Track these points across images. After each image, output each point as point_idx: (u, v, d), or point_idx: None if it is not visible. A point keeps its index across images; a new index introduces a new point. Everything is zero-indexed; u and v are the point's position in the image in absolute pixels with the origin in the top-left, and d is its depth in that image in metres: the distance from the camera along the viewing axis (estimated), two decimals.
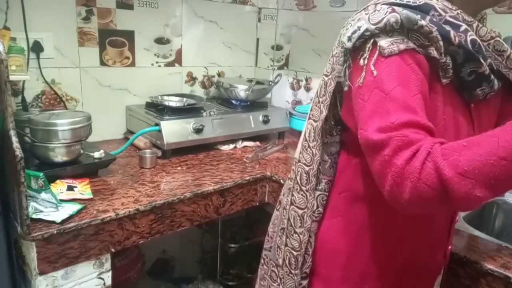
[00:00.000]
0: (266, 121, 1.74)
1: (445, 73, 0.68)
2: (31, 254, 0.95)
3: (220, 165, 1.45)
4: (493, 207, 1.35)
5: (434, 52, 0.66)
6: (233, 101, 1.81)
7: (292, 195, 0.86)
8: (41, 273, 0.96)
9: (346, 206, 0.81)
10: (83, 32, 1.50)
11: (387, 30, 0.65)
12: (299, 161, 0.85)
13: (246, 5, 1.98)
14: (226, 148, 1.64)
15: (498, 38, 0.72)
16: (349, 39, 0.68)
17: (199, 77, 1.91)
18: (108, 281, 1.10)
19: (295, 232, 0.85)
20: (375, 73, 0.65)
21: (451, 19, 0.68)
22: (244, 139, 1.70)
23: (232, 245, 1.77)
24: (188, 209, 1.21)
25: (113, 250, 1.07)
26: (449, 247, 0.91)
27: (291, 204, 0.86)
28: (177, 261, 1.99)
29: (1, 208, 1.02)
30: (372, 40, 0.66)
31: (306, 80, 2.06)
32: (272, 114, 1.77)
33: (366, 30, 0.66)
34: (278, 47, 2.06)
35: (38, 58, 1.40)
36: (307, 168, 0.82)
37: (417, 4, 0.67)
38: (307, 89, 2.06)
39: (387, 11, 0.65)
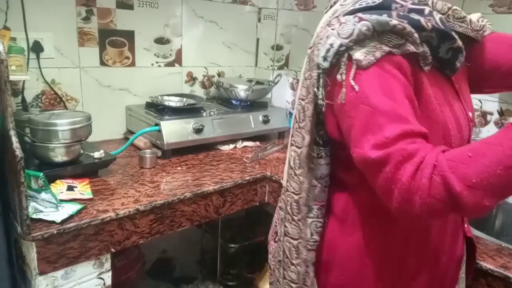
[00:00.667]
0: (266, 121, 1.74)
1: (425, 61, 0.68)
2: (31, 254, 0.95)
3: (220, 165, 1.45)
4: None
5: (410, 48, 0.65)
6: (233, 101, 1.81)
7: (285, 226, 0.83)
8: (41, 273, 0.96)
9: (368, 218, 0.77)
10: (83, 32, 1.50)
11: (361, 39, 0.63)
12: (287, 190, 0.82)
13: (246, 5, 1.98)
14: (226, 148, 1.64)
15: (455, 7, 0.72)
16: (325, 58, 0.66)
17: (199, 77, 1.92)
18: (108, 281, 1.10)
19: (292, 264, 0.82)
20: (356, 88, 0.64)
21: (413, 6, 0.68)
22: (244, 139, 1.70)
23: (232, 245, 1.77)
24: (188, 209, 1.21)
25: (113, 250, 1.07)
26: (466, 228, 0.88)
27: (285, 235, 0.83)
28: (177, 261, 1.99)
29: (1, 208, 1.02)
30: (346, 54, 0.65)
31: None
32: (272, 114, 1.77)
33: (340, 45, 0.64)
34: (278, 47, 2.06)
35: (38, 58, 1.40)
36: (296, 197, 0.80)
37: (377, 3, 0.67)
38: None
39: (354, 22, 0.64)
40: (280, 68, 2.10)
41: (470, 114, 0.79)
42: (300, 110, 0.77)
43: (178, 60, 1.81)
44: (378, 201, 0.69)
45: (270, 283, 0.96)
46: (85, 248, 1.01)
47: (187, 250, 2.00)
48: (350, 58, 0.64)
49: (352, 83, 0.64)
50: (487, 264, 0.91)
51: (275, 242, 0.91)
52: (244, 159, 1.51)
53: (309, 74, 0.72)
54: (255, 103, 1.84)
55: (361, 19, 0.63)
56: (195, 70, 1.89)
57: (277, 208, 0.90)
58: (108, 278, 1.09)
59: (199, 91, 1.93)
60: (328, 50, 0.66)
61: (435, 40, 0.68)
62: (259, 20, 2.05)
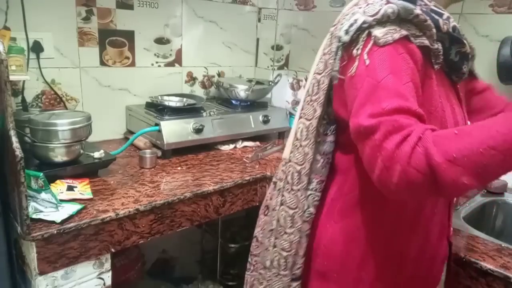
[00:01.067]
0: (266, 121, 1.74)
1: (436, 59, 0.72)
2: (31, 254, 0.95)
3: (220, 165, 1.45)
4: (493, 207, 1.35)
5: (425, 41, 0.69)
6: (233, 101, 1.81)
7: (282, 195, 0.84)
8: (41, 273, 0.96)
9: (356, 207, 0.79)
10: (83, 32, 1.50)
11: (383, 21, 0.66)
12: (289, 160, 0.83)
13: (246, 5, 1.98)
14: (226, 148, 1.64)
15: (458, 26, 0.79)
16: (347, 32, 0.69)
17: (199, 77, 1.92)
18: (108, 281, 1.10)
19: (285, 233, 0.83)
20: (367, 62, 0.66)
21: (435, 8, 0.74)
22: (244, 139, 1.70)
23: (232, 245, 1.77)
24: (188, 209, 1.21)
25: (113, 250, 1.07)
26: (451, 231, 0.91)
27: (281, 204, 0.84)
28: (177, 261, 1.99)
29: (1, 208, 1.02)
30: (367, 31, 0.67)
31: (306, 80, 2.05)
32: (272, 114, 1.77)
33: (364, 22, 0.67)
34: (278, 47, 2.06)
35: (38, 58, 1.40)
36: (298, 168, 0.81)
37: None
38: None
39: (381, 3, 0.67)
40: (280, 68, 2.10)
41: (469, 123, 0.81)
42: (314, 84, 0.79)
43: (178, 60, 1.81)
44: (368, 189, 0.73)
45: (253, 255, 0.96)
46: (85, 248, 1.01)
47: (187, 250, 2.00)
48: (369, 35, 0.67)
49: (365, 57, 0.66)
50: (487, 264, 0.92)
51: (265, 215, 0.92)
52: (244, 159, 1.52)
53: (329, 49, 0.74)
54: (255, 103, 1.84)
55: (388, 2, 0.67)
56: (195, 70, 1.89)
57: (273, 181, 0.91)
58: (108, 278, 1.09)
59: (199, 91, 1.93)
60: (351, 25, 0.68)
61: (447, 42, 0.74)
62: (259, 20, 2.05)
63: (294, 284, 0.84)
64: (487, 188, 1.37)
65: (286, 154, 0.86)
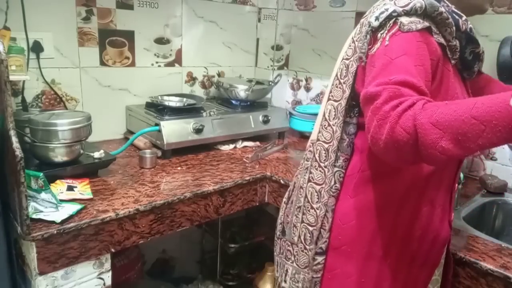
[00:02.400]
0: (266, 121, 1.74)
1: (453, 55, 0.79)
2: (31, 254, 0.95)
3: (220, 165, 1.45)
4: (493, 207, 1.35)
5: (441, 39, 0.76)
6: (233, 101, 1.81)
7: (310, 172, 0.90)
8: (41, 273, 0.96)
9: (368, 183, 0.84)
10: (83, 32, 1.50)
11: (411, 13, 0.73)
12: (317, 139, 0.89)
13: (246, 5, 1.98)
14: (226, 148, 1.64)
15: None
16: (377, 18, 0.75)
17: (199, 77, 1.91)
18: (108, 281, 1.10)
19: (312, 208, 0.89)
20: (387, 43, 0.73)
21: (456, 10, 0.81)
22: (244, 139, 1.70)
23: (232, 245, 1.77)
24: (188, 209, 1.21)
25: (113, 250, 1.07)
26: (452, 216, 0.95)
27: (309, 181, 0.90)
28: (177, 261, 1.99)
29: (1, 208, 1.02)
30: (394, 19, 0.74)
31: (306, 80, 2.06)
32: (272, 114, 1.77)
33: (394, 11, 0.74)
34: (278, 47, 2.06)
35: (38, 58, 1.40)
36: (326, 145, 0.87)
37: None
38: (307, 89, 2.06)
39: None
40: (280, 68, 2.10)
41: None
42: (343, 68, 0.85)
43: (178, 60, 1.81)
44: (379, 167, 0.82)
45: (278, 238, 1.00)
46: (85, 248, 1.01)
47: (187, 250, 2.00)
48: (396, 21, 0.74)
49: (387, 38, 0.73)
50: (487, 264, 0.92)
51: (286, 204, 1.00)
52: (244, 159, 1.51)
53: (358, 36, 0.81)
54: (255, 103, 1.84)
55: None
56: (195, 70, 1.89)
57: (299, 168, 0.96)
58: (108, 278, 1.09)
59: (199, 91, 1.93)
60: (382, 12, 0.75)
61: (464, 41, 0.81)
62: (259, 20, 2.05)
63: (319, 258, 0.88)
64: (487, 188, 1.37)
65: (314, 135, 0.91)
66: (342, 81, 0.85)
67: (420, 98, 0.64)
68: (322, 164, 0.88)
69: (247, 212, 1.93)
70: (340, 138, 0.86)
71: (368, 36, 0.77)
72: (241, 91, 1.75)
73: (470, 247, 0.99)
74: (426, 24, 0.73)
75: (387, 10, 0.75)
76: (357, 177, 0.85)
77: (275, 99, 2.10)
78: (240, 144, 1.68)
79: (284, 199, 1.02)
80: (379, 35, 0.75)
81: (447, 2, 0.80)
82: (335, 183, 0.87)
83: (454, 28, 0.77)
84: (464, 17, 0.81)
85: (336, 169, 0.87)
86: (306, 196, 0.91)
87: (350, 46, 0.85)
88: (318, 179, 0.89)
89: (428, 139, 0.60)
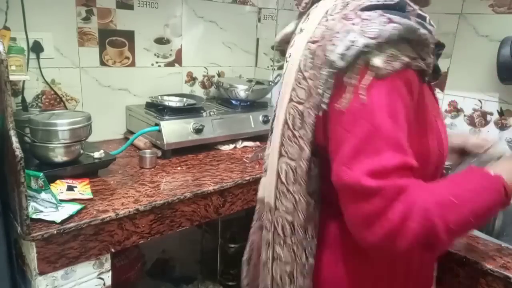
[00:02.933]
0: (266, 121, 1.74)
1: (427, 73, 0.64)
2: (31, 254, 0.95)
3: (220, 165, 1.45)
4: None
5: (421, 64, 0.61)
6: (233, 101, 1.81)
7: (273, 249, 0.73)
8: (41, 273, 0.96)
9: (359, 253, 0.69)
10: (83, 32, 1.50)
11: (384, 44, 0.57)
12: (276, 208, 0.72)
13: (246, 5, 1.98)
14: (226, 148, 1.64)
15: None
16: (342, 57, 0.58)
17: (199, 77, 1.91)
18: (108, 281, 1.10)
19: None
20: (364, 99, 0.57)
21: (420, 12, 0.62)
22: (244, 139, 1.70)
23: (232, 245, 1.77)
24: (188, 209, 1.21)
25: (113, 250, 1.07)
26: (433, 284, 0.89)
27: (274, 260, 0.73)
28: (177, 261, 1.99)
29: (1, 208, 1.02)
30: (364, 58, 0.58)
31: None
32: (272, 114, 1.77)
33: (365, 45, 0.56)
34: None
35: (38, 58, 1.40)
36: (290, 218, 0.70)
37: (394, 3, 0.60)
38: None
39: (383, 21, 0.57)
40: (280, 68, 2.09)
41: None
42: (295, 116, 0.67)
43: (178, 60, 1.81)
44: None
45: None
46: (85, 248, 1.01)
47: (187, 250, 2.00)
48: (366, 62, 0.58)
49: (363, 93, 0.58)
50: (487, 264, 0.91)
51: (247, 265, 0.87)
52: (244, 159, 1.51)
53: (313, 74, 0.62)
54: (255, 103, 1.84)
55: (391, 21, 0.57)
56: (195, 70, 1.89)
57: (258, 228, 0.81)
58: (108, 278, 1.09)
59: (199, 91, 1.93)
60: (348, 48, 0.57)
61: (433, 44, 0.66)
62: (259, 20, 2.05)
63: None
64: None
65: (269, 197, 0.74)
66: (297, 134, 0.67)
67: (423, 196, 0.58)
68: (288, 241, 0.70)
69: (247, 212, 1.92)
70: (306, 206, 0.68)
71: (331, 81, 0.60)
72: (241, 91, 1.75)
73: (470, 247, 0.99)
74: (404, 59, 0.58)
75: (353, 43, 0.56)
76: (348, 237, 0.65)
77: (275, 99, 2.09)
78: (240, 144, 1.68)
79: (244, 258, 0.85)
80: (346, 79, 0.59)
81: (412, 5, 0.62)
82: (307, 258, 0.70)
83: (432, 46, 0.62)
84: (428, 17, 0.63)
85: (306, 242, 0.69)
86: (273, 278, 0.74)
87: (299, 83, 0.65)
88: (287, 258, 0.71)
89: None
